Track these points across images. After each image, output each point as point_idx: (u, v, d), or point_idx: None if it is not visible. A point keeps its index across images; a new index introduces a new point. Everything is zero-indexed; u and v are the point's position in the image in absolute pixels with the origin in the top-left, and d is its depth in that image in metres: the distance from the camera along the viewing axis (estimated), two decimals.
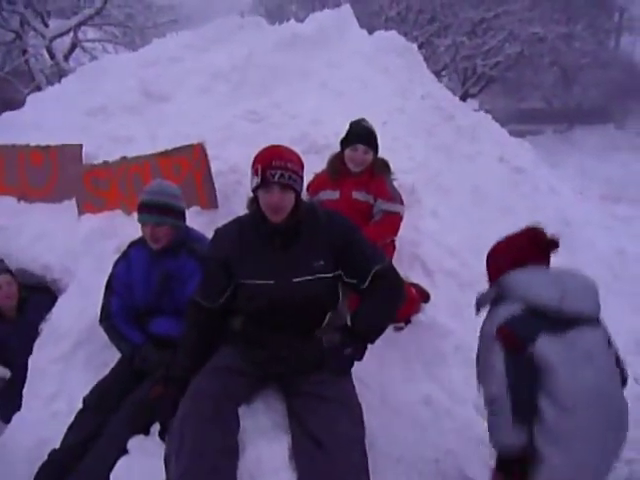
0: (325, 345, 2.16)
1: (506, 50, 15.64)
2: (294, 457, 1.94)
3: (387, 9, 14.78)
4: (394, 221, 3.17)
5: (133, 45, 15.81)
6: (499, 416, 1.84)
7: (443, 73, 16.36)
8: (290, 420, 2.09)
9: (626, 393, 3.14)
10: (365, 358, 2.24)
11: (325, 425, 1.92)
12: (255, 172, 2.10)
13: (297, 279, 2.12)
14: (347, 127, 3.41)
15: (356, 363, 2.22)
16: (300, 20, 6.10)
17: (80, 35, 15.65)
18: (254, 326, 2.20)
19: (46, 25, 14.97)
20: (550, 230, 4.58)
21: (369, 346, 2.21)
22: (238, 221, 2.31)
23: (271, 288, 2.12)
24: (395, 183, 3.32)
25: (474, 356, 2.41)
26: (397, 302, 2.25)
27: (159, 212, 2.56)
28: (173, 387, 2.20)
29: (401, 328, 3.09)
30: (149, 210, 2.57)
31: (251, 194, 2.21)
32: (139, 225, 3.36)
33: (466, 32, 15.08)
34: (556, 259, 4.35)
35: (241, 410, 2.06)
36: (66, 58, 15.25)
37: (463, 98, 15.99)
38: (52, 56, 14.76)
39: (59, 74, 14.38)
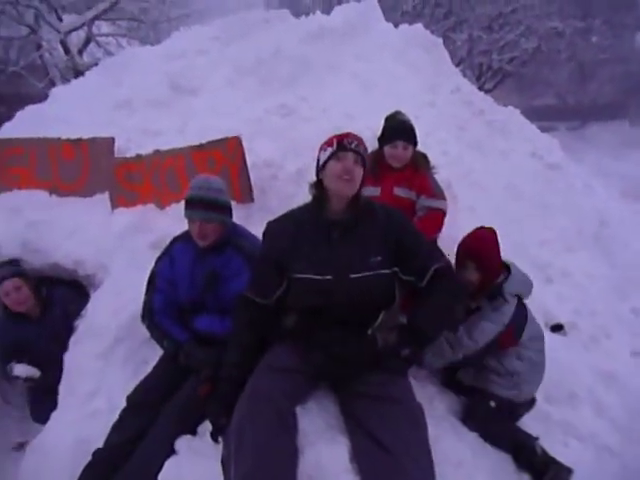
0: (380, 344, 2.09)
1: (523, 45, 15.43)
2: (356, 460, 1.87)
3: (403, 3, 14.63)
4: (438, 218, 3.09)
5: (147, 39, 15.78)
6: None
7: (459, 68, 16.18)
8: (347, 421, 2.03)
9: None
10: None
11: (387, 427, 1.85)
12: (328, 144, 2.15)
13: (354, 275, 2.06)
14: (383, 122, 3.33)
15: None
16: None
17: (94, 29, 15.61)
18: (308, 323, 2.13)
19: (60, 19, 14.94)
20: (588, 230, 4.49)
21: None
22: (291, 215, 2.26)
23: (329, 284, 2.06)
24: (436, 177, 3.25)
25: None
26: (458, 302, 2.18)
27: (207, 208, 2.48)
28: (224, 386, 2.14)
29: None
30: (197, 206, 2.49)
31: (312, 176, 2.19)
32: (173, 220, 3.34)
33: (483, 27, 14.90)
34: (593, 260, 4.28)
35: (297, 410, 1.99)
36: (80, 53, 15.22)
37: None
38: (66, 51, 14.71)
39: (73, 69, 14.39)
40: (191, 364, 2.43)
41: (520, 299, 2.64)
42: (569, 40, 15.82)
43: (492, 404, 2.55)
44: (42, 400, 3.10)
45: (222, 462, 1.89)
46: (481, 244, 2.63)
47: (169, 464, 2.13)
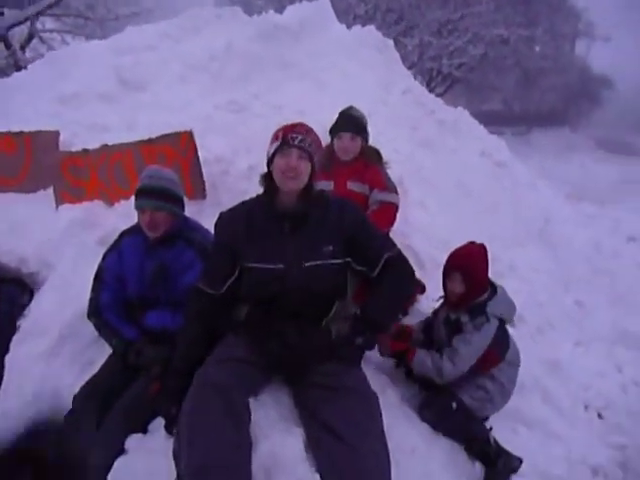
0: (334, 335, 2.09)
1: (470, 51, 15.90)
2: (311, 450, 1.86)
3: (355, 6, 14.80)
4: (390, 211, 3.13)
5: (94, 36, 15.29)
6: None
7: (410, 72, 16.52)
8: (301, 413, 2.01)
9: (611, 382, 3.23)
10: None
11: (341, 416, 1.84)
12: (275, 138, 2.10)
13: (308, 263, 2.05)
14: (337, 116, 3.37)
15: None
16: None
17: (38, 25, 15.04)
18: (260, 315, 2.11)
19: (1, 13, 14.33)
20: (534, 226, 4.66)
21: None
22: (244, 205, 2.24)
23: (281, 272, 2.05)
24: (388, 172, 3.29)
25: None
26: (409, 290, 2.22)
27: (158, 197, 2.43)
28: (172, 378, 2.09)
29: (399, 319, 3.05)
30: (148, 195, 2.43)
31: (264, 169, 2.15)
32: (121, 217, 3.25)
33: (432, 32, 15.26)
34: (539, 255, 4.44)
35: (251, 403, 1.96)
36: (23, 48, 14.63)
37: None
38: (8, 46, 14.11)
39: (15, 65, 13.80)
40: (141, 363, 2.35)
41: (502, 323, 2.63)
42: (514, 47, 16.41)
43: (453, 405, 2.55)
44: None
45: (174, 455, 1.83)
46: (469, 258, 2.64)
47: (119, 463, 2.05)
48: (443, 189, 4.16)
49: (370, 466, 1.72)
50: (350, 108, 3.34)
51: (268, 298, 2.08)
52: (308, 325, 2.10)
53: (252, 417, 1.92)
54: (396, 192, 3.19)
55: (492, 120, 22.87)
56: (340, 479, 1.70)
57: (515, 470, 2.52)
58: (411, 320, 3.09)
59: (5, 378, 2.75)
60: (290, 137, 2.06)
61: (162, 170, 2.57)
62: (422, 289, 3.21)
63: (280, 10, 5.89)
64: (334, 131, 3.24)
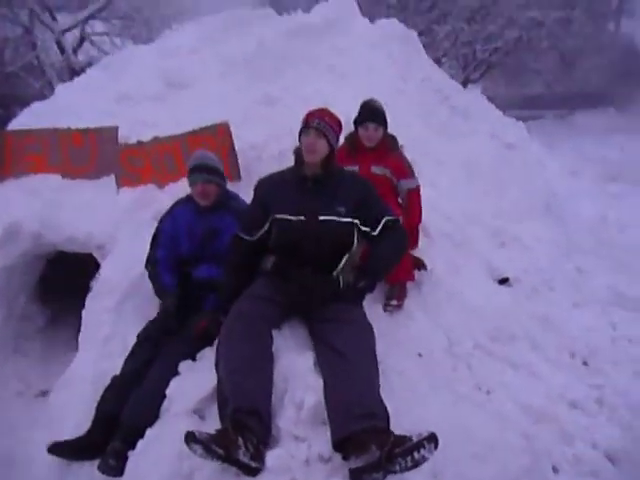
0: (342, 283, 2.65)
1: (505, 36, 15.92)
2: (319, 364, 2.43)
3: None
4: (419, 195, 3.69)
5: (140, 37, 16.18)
6: None
7: (443, 60, 16.63)
8: (314, 340, 2.58)
9: (603, 336, 3.62)
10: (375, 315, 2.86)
11: (341, 338, 2.40)
12: (302, 121, 2.73)
13: (322, 217, 2.64)
14: (359, 107, 3.87)
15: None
16: (306, 10, 6.56)
17: (88, 29, 16.03)
18: (283, 264, 2.69)
19: (54, 19, 15.35)
20: (540, 201, 5.13)
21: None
22: (277, 172, 2.89)
23: (301, 223, 2.64)
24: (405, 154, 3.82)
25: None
26: (403, 248, 2.82)
27: (208, 172, 3.13)
28: (222, 313, 2.69)
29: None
30: (200, 170, 3.13)
31: (298, 143, 2.77)
32: (171, 196, 3.87)
33: (465, 18, 15.39)
34: (545, 227, 4.82)
35: (274, 333, 2.53)
36: (75, 52, 15.64)
37: (464, 84, 16.30)
38: (62, 50, 15.14)
39: (69, 68, 14.82)
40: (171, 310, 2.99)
41: None
42: (549, 30, 16.30)
43: None
44: None
45: (215, 365, 2.42)
46: None
47: (174, 382, 2.67)
48: (452, 170, 4.61)
49: (362, 374, 2.27)
50: (371, 100, 3.82)
51: (290, 246, 2.66)
52: (322, 273, 2.66)
53: (275, 343, 2.50)
54: (415, 174, 3.72)
55: (533, 103, 22.60)
56: (338, 382, 2.26)
57: None
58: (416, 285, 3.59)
59: (82, 326, 3.44)
60: (310, 120, 2.70)
61: (207, 152, 3.30)
62: (423, 266, 3.67)
63: (307, 10, 6.41)
64: (359, 121, 3.70)
